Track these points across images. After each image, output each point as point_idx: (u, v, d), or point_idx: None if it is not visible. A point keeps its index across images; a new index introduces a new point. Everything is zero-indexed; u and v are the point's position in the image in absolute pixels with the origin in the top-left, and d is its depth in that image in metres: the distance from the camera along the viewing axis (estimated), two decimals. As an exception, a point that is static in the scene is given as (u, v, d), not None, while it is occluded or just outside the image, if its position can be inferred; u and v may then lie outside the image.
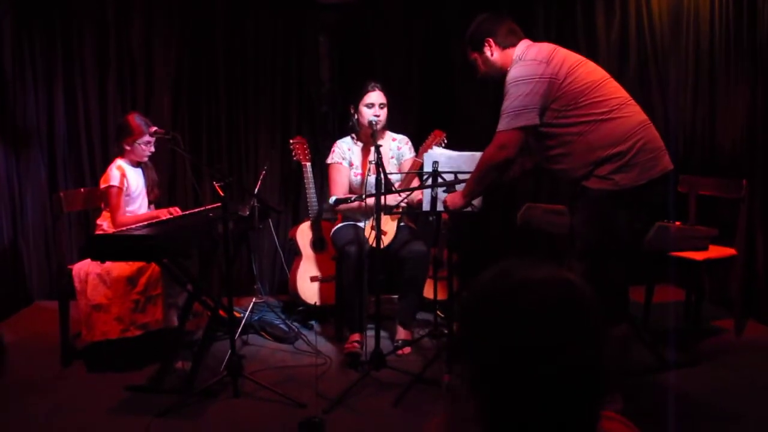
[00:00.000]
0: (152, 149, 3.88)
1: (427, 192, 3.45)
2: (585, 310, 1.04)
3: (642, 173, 2.71)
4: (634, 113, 2.80)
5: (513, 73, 2.85)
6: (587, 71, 2.84)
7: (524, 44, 2.98)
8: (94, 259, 3.23)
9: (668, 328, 4.15)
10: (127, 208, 3.84)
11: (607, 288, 2.60)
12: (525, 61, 2.86)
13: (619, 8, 4.98)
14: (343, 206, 3.96)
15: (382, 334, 3.73)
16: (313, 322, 4.41)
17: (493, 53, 3.02)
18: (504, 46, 2.99)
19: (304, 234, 4.37)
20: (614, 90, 2.83)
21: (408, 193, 3.86)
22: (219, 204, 3.30)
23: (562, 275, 1.06)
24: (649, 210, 2.95)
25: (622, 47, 5.00)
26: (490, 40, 3.00)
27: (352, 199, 3.65)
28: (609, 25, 4.99)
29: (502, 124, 2.81)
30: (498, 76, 3.02)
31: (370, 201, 3.44)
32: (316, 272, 4.35)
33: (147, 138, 3.81)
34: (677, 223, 3.60)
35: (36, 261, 4.86)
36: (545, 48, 2.91)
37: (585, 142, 2.75)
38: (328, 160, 4.18)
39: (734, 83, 4.44)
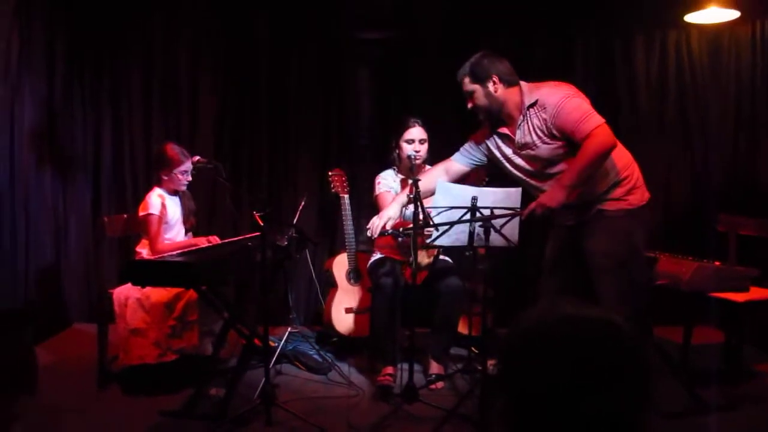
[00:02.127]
0: (189, 178, 3.93)
1: (465, 227, 3.45)
2: (629, 354, 1.04)
3: (643, 195, 3.13)
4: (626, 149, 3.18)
5: (557, 94, 3.05)
6: None
7: (527, 84, 3.19)
8: (134, 283, 3.28)
9: (707, 370, 4.06)
10: (165, 236, 3.90)
11: (638, 302, 3.06)
12: (560, 85, 3.12)
13: (659, 44, 4.98)
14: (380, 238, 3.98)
15: (416, 368, 3.72)
16: (345, 354, 4.41)
17: (497, 89, 3.16)
18: (508, 84, 3.16)
19: (340, 265, 4.40)
20: None
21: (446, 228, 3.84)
22: (257, 233, 3.34)
23: (610, 317, 1.07)
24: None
25: (662, 83, 4.99)
26: (496, 76, 3.15)
27: (389, 231, 3.67)
28: (648, 61, 4.99)
29: (591, 124, 2.94)
30: (495, 111, 3.20)
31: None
32: (351, 304, 4.36)
33: (184, 167, 3.87)
34: (716, 263, 3.55)
35: (76, 284, 4.96)
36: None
37: (605, 163, 3.03)
38: (376, 191, 4.17)
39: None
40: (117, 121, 4.99)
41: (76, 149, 4.91)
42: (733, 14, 4.33)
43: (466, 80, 3.22)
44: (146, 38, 4.97)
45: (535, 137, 3.09)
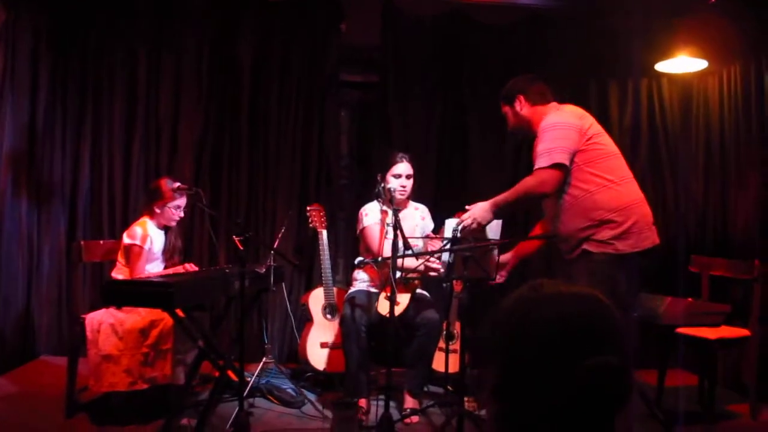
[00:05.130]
0: (181, 214, 3.96)
1: (445, 258, 3.48)
2: (610, 320, 1.07)
3: (637, 243, 2.96)
4: (635, 190, 3.09)
5: (550, 119, 3.08)
6: (607, 141, 3.14)
7: (555, 105, 3.26)
8: (111, 304, 3.24)
9: (682, 410, 4.07)
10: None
11: None
12: (561, 111, 3.15)
13: (632, 94, 5.16)
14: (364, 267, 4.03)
15: (390, 403, 3.68)
16: (319, 389, 4.35)
17: (522, 108, 3.27)
18: (533, 103, 3.25)
19: (316, 300, 4.37)
20: (622, 165, 3.13)
21: (426, 258, 3.86)
22: (236, 262, 3.34)
23: (590, 291, 1.11)
24: (639, 279, 3.09)
25: (635, 131, 5.14)
26: (522, 96, 3.26)
27: (380, 259, 3.69)
28: (621, 108, 5.15)
29: (541, 162, 2.99)
30: (525, 130, 3.28)
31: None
32: (326, 339, 4.32)
33: (177, 203, 3.89)
34: (689, 299, 3.61)
35: (46, 316, 4.86)
36: (579, 109, 3.23)
37: (591, 200, 3.00)
38: (363, 224, 4.18)
39: (745, 166, 4.54)
40: (97, 148, 4.98)
41: (54, 175, 4.87)
42: (702, 64, 4.50)
43: (501, 103, 3.37)
44: (130, 66, 5.00)
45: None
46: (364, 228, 4.17)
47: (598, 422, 1.05)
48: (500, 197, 3.14)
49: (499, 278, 3.57)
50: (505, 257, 3.62)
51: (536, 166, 3.00)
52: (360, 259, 4.07)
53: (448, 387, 4.10)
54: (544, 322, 1.06)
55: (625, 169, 3.10)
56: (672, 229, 5.01)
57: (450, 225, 3.44)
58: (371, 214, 4.18)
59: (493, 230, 3.40)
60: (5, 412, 3.73)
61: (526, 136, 3.31)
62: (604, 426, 1.06)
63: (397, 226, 3.43)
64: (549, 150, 2.98)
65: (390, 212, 3.67)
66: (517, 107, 3.28)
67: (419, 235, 4.17)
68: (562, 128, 3.03)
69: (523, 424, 1.07)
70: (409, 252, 3.54)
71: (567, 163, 2.98)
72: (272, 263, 3.86)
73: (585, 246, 3.00)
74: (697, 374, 4.28)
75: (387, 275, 3.79)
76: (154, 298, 3.13)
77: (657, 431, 3.60)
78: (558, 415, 1.04)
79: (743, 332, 3.86)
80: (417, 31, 5.19)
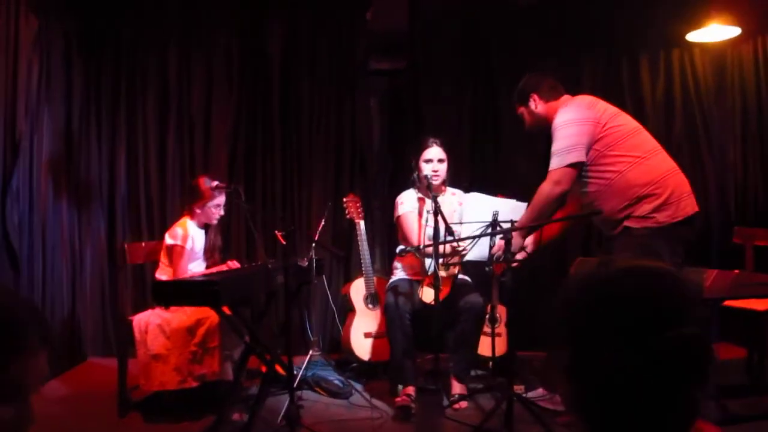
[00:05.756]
0: (222, 212, 3.98)
1: (485, 241, 3.47)
2: (684, 293, 1.06)
3: (677, 212, 3.01)
4: (665, 160, 3.14)
5: (561, 117, 3.16)
6: (625, 120, 3.20)
7: (567, 97, 3.33)
8: (159, 303, 3.28)
9: (730, 383, 4.03)
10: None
11: None
12: (571, 106, 3.20)
13: (663, 67, 5.08)
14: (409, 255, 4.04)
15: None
16: (364, 379, 4.37)
17: (537, 106, 3.35)
18: (547, 99, 3.33)
19: (358, 290, 4.39)
20: (647, 139, 3.18)
21: (468, 242, 3.84)
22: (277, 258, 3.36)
23: (660, 265, 1.09)
24: (683, 247, 3.10)
25: (668, 104, 5.07)
26: (535, 94, 3.34)
27: (423, 246, 3.69)
28: (654, 81, 5.08)
29: (554, 163, 3.11)
30: (543, 127, 3.33)
31: (429, 250, 3.50)
32: (369, 328, 4.34)
33: (216, 201, 3.92)
34: (736, 271, 3.56)
35: (91, 318, 4.93)
36: (588, 97, 3.30)
37: (623, 180, 3.05)
38: (399, 212, 4.15)
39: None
40: (132, 147, 5.04)
41: (92, 178, 4.94)
42: (735, 32, 4.41)
43: (516, 105, 3.44)
44: (161, 67, 5.05)
45: None
46: (399, 216, 4.15)
47: (677, 397, 1.04)
48: (522, 219, 3.22)
49: (520, 256, 3.48)
50: (528, 240, 3.56)
51: (549, 168, 3.10)
52: (401, 247, 4.07)
53: (495, 371, 4.09)
54: (619, 299, 1.05)
55: (651, 142, 3.14)
56: (711, 201, 4.94)
57: (485, 202, 3.45)
58: (407, 202, 4.17)
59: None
60: (61, 413, 3.78)
61: (544, 132, 3.34)
62: (686, 400, 1.04)
63: (437, 212, 3.42)
64: (561, 150, 3.08)
65: (427, 200, 3.66)
66: (532, 106, 3.36)
67: (457, 221, 4.14)
68: (574, 124, 3.10)
69: (598, 402, 1.07)
70: (451, 238, 3.53)
71: (582, 159, 3.07)
72: (313, 255, 3.88)
73: (626, 223, 3.05)
74: (744, 346, 4.23)
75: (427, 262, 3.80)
76: (201, 296, 3.16)
77: (705, 404, 3.54)
78: (635, 391, 1.03)
79: (792, 302, 3.79)
80: (444, 13, 5.14)
